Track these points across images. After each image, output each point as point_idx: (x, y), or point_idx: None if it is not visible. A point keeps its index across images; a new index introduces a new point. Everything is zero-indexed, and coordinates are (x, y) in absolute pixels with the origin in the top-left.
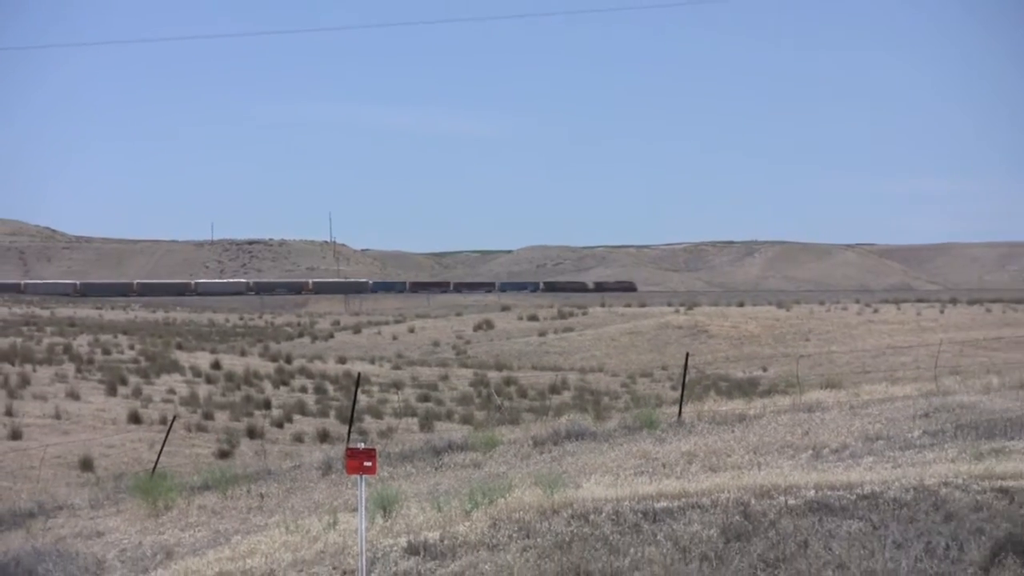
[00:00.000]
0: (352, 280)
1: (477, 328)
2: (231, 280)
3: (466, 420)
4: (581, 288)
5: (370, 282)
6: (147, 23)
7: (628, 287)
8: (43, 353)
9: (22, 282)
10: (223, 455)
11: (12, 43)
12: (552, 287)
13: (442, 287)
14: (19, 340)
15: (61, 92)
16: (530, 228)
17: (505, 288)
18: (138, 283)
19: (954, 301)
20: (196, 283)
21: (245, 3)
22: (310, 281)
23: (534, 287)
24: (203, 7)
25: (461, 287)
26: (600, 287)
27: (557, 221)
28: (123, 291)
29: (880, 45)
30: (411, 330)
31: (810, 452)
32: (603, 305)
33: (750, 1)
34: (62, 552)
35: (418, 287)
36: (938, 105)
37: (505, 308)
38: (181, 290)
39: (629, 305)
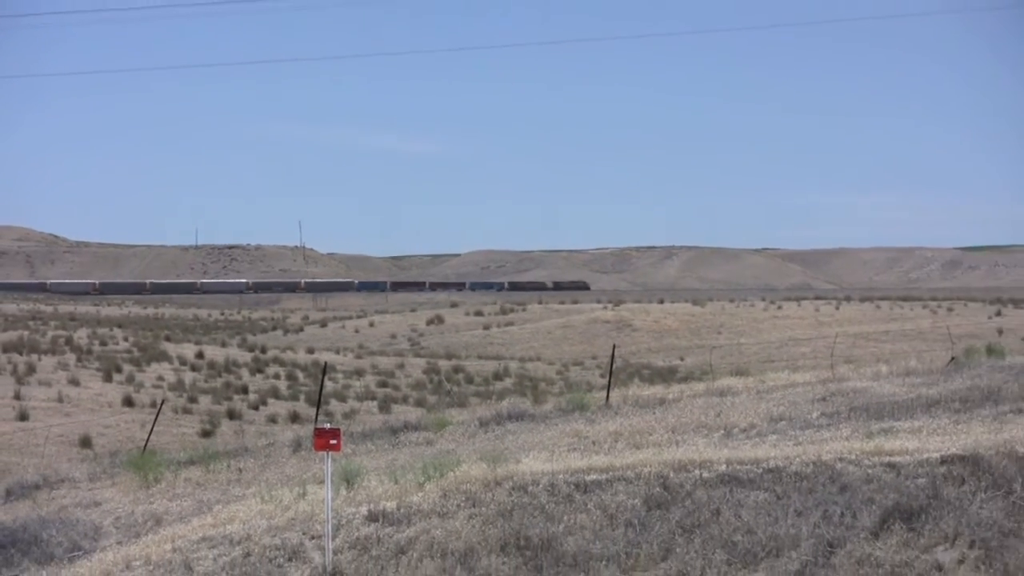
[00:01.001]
0: (340, 280)
1: (429, 323)
2: (232, 280)
3: (420, 403)
4: (542, 287)
5: (356, 282)
6: (136, 54)
7: (582, 286)
8: (47, 344)
9: (48, 281)
10: (206, 434)
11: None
12: (516, 286)
13: (419, 286)
14: (26, 333)
15: (62, 112)
16: (475, 234)
17: (475, 287)
18: (150, 282)
19: (848, 299)
20: (201, 283)
21: (231, 37)
22: (303, 281)
23: (500, 286)
24: (189, 43)
25: (436, 286)
26: (558, 286)
27: (499, 227)
28: (137, 290)
29: (779, 71)
30: (371, 324)
31: (722, 431)
32: (540, 303)
33: (665, 26)
34: (64, 519)
35: (398, 286)
36: (833, 125)
37: (454, 305)
38: (189, 289)
39: (563, 302)
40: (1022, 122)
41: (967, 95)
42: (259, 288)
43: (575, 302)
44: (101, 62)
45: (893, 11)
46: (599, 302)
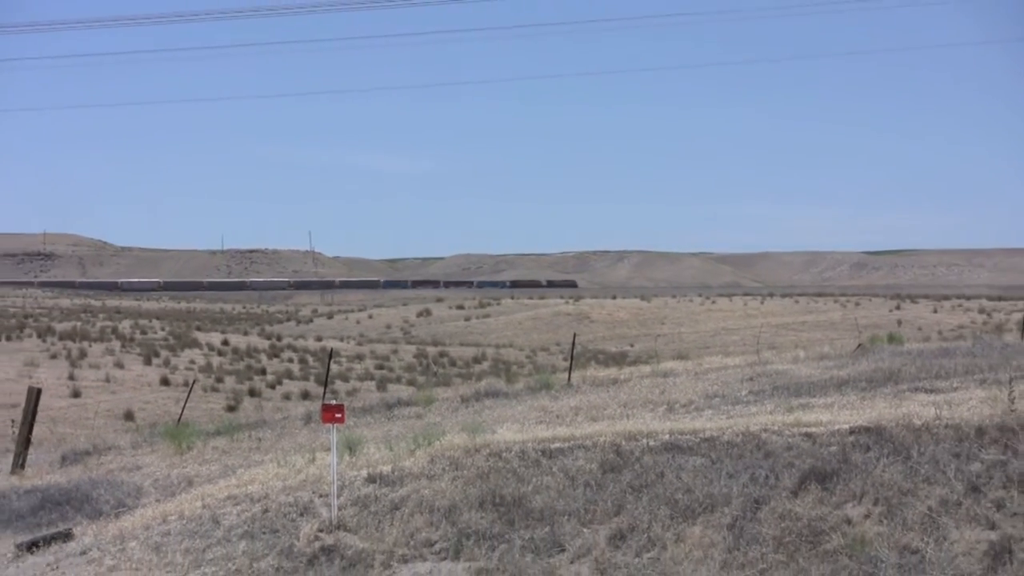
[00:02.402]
0: (367, 279)
1: (419, 315)
2: (275, 279)
3: (411, 383)
4: (538, 285)
5: (381, 280)
6: (171, 90)
7: (572, 284)
8: (96, 333)
9: (119, 280)
10: (230, 409)
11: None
12: (516, 284)
13: (434, 284)
14: (78, 324)
15: (109, 137)
16: (458, 239)
17: (483, 285)
18: (208, 281)
19: (771, 295)
20: (251, 281)
21: (251, 74)
22: (337, 279)
23: (503, 285)
24: (212, 81)
25: (448, 284)
26: (551, 283)
27: (478, 233)
28: (195, 287)
29: (716, 99)
30: (370, 316)
31: (665, 407)
32: (513, 298)
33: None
34: (111, 481)
35: (417, 284)
36: (758, 143)
37: (439, 300)
38: (240, 286)
39: (531, 298)
40: (913, 143)
41: (875, 119)
42: (298, 286)
43: (542, 298)
44: (143, 96)
45: (818, 40)
46: (561, 298)
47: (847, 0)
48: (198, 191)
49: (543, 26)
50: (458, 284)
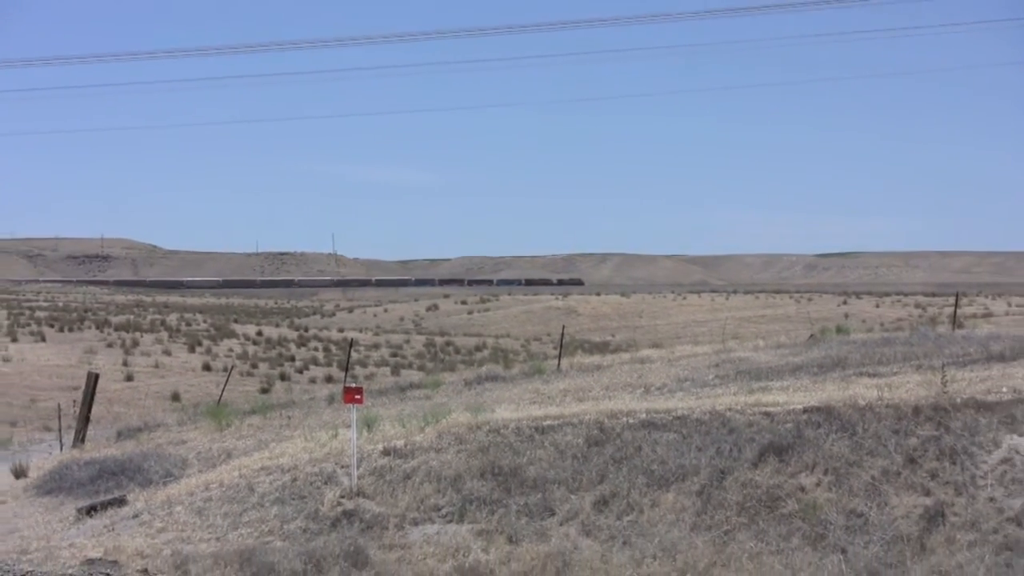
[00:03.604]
0: (399, 278)
1: (428, 309)
2: (319, 278)
3: (421, 368)
4: (549, 283)
5: (412, 279)
6: (206, 113)
7: (579, 282)
8: (147, 325)
9: (184, 279)
10: (264, 391)
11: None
12: (531, 282)
13: (459, 283)
14: (131, 317)
15: (157, 155)
16: (462, 242)
17: (500, 283)
18: (260, 279)
19: (735, 292)
20: (299, 280)
21: (278, 97)
22: (373, 279)
23: (518, 283)
24: (243, 104)
25: (472, 283)
26: (561, 282)
27: (479, 237)
28: (250, 284)
29: (683, 111)
30: (385, 311)
31: (642, 389)
32: (510, 295)
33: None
34: (160, 454)
35: (445, 283)
36: (724, 154)
37: (446, 296)
38: (289, 283)
39: (526, 295)
40: (859, 157)
41: (826, 135)
42: (340, 284)
43: (536, 294)
44: (187, 119)
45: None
46: (552, 294)
47: (808, 17)
48: (236, 200)
49: (532, 58)
50: (480, 283)
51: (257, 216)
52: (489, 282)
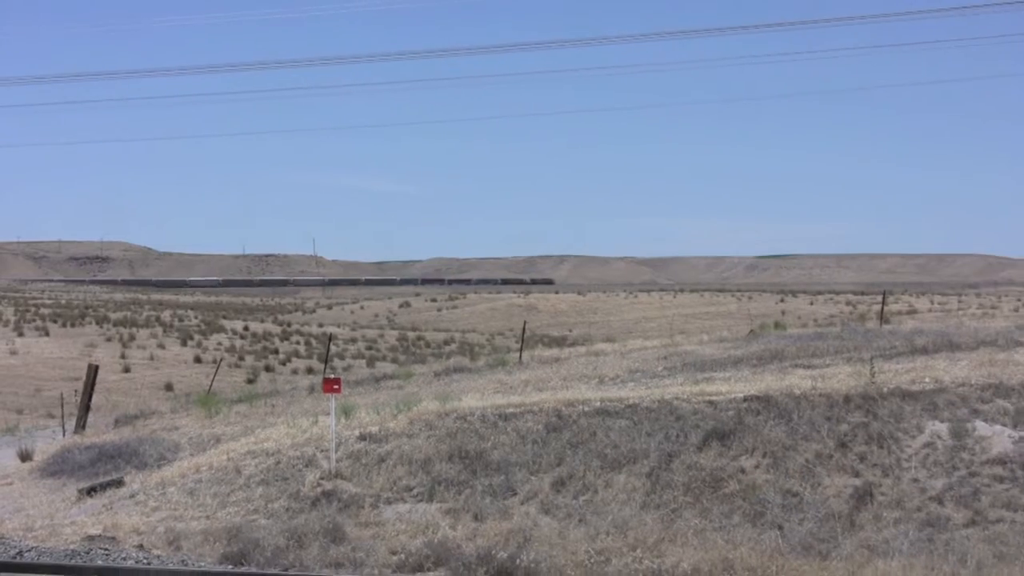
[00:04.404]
0: (388, 277)
1: (400, 306)
2: (313, 278)
3: (394, 361)
4: (523, 282)
5: (398, 278)
6: (200, 126)
7: (550, 281)
8: (143, 321)
9: (188, 279)
10: (250, 382)
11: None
12: (507, 282)
13: (440, 282)
14: (128, 313)
15: (153, 164)
16: (432, 245)
17: (479, 282)
18: (259, 279)
19: (681, 291)
20: (294, 279)
21: (262, 112)
22: (363, 278)
23: (495, 281)
24: (232, 117)
25: (452, 282)
26: (534, 281)
27: (447, 240)
28: (247, 283)
29: (631, 129)
30: (361, 307)
31: (597, 379)
32: (476, 293)
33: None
34: (154, 439)
35: (427, 282)
36: (673, 164)
37: (417, 294)
38: (284, 282)
39: (492, 293)
40: (793, 166)
41: (764, 145)
42: (331, 282)
43: (498, 292)
44: (177, 131)
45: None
46: (514, 292)
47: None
48: (224, 206)
49: (502, 76)
50: (460, 282)
51: (243, 220)
52: (468, 281)
